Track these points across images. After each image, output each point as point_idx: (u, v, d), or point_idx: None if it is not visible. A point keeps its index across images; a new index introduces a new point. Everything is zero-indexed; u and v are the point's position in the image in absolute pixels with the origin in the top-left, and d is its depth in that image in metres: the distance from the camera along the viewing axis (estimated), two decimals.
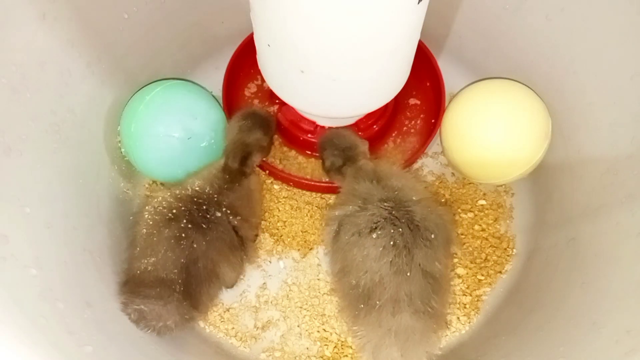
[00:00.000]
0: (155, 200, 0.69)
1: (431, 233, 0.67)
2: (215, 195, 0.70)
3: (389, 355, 0.64)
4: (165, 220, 0.67)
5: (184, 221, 0.66)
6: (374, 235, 0.65)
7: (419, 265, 0.65)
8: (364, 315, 0.65)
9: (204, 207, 0.68)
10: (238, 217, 0.71)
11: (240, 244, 0.72)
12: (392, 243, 0.64)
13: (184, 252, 0.65)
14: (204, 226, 0.67)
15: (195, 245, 0.66)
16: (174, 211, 0.67)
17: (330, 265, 0.75)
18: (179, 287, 0.64)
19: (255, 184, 0.77)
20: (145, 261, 0.65)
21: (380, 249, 0.64)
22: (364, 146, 0.77)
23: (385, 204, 0.68)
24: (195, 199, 0.69)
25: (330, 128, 0.83)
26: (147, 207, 0.69)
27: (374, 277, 0.64)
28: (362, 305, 0.65)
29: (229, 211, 0.70)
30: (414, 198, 0.69)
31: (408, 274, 0.64)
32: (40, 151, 0.63)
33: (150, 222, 0.67)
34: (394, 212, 0.67)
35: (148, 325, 0.65)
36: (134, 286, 0.65)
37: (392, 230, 0.65)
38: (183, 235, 0.66)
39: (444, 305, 0.68)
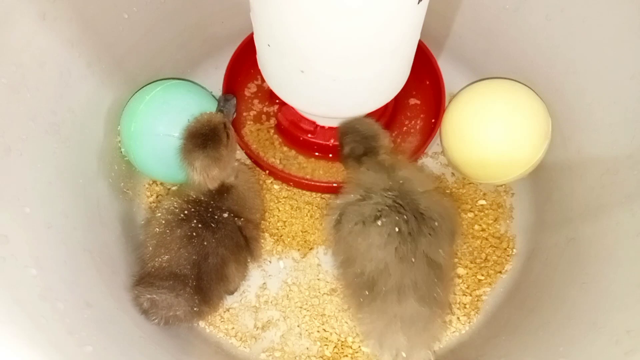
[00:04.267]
0: (167, 202, 0.71)
1: (435, 221, 0.66)
2: (212, 202, 0.71)
3: (395, 342, 0.64)
4: (177, 220, 0.69)
5: (195, 221, 0.68)
6: (379, 223, 0.65)
7: (423, 252, 0.65)
8: (369, 303, 0.65)
9: (210, 209, 0.70)
10: (241, 219, 0.72)
11: (245, 244, 0.73)
12: (397, 230, 0.64)
13: (196, 249, 0.67)
14: (213, 225, 0.69)
15: (205, 243, 0.68)
16: (185, 212, 0.69)
17: (333, 255, 0.75)
18: (191, 282, 0.66)
19: (245, 184, 0.76)
20: (159, 259, 0.67)
21: (386, 236, 0.64)
22: (385, 139, 0.75)
23: (389, 192, 0.67)
24: (202, 202, 0.71)
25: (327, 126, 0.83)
26: (159, 209, 0.71)
27: (379, 264, 0.64)
28: (366, 292, 0.65)
29: (232, 213, 0.71)
30: (419, 189, 0.69)
31: (413, 260, 0.64)
32: (40, 151, 0.63)
33: (163, 222, 0.69)
34: (398, 200, 0.66)
35: (158, 314, 0.66)
36: (149, 279, 0.67)
37: (397, 218, 0.65)
38: (194, 234, 0.68)
39: (447, 293, 0.68)
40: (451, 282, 0.72)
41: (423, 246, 0.65)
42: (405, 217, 0.65)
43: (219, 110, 0.77)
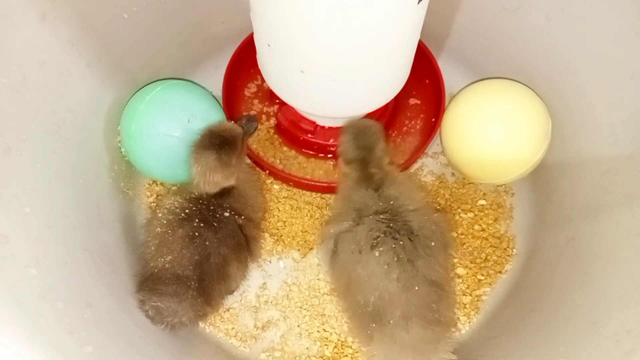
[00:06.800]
0: (168, 201, 0.71)
1: (431, 241, 0.66)
2: (214, 200, 0.71)
3: None
4: (178, 220, 0.69)
5: (196, 220, 0.68)
6: (377, 253, 0.64)
7: (424, 276, 0.64)
8: (377, 335, 0.65)
9: (212, 207, 0.70)
10: (242, 217, 0.72)
11: (245, 242, 0.73)
12: (395, 259, 0.64)
13: (198, 249, 0.67)
14: (215, 225, 0.69)
15: (207, 243, 0.68)
16: (187, 211, 0.69)
17: (332, 281, 0.76)
18: (193, 284, 0.66)
19: (246, 182, 0.76)
20: (162, 259, 0.67)
21: (385, 266, 0.64)
22: (381, 152, 0.73)
23: (381, 216, 0.67)
24: (204, 200, 0.70)
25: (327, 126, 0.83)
26: (160, 208, 0.71)
27: (383, 294, 0.64)
28: (373, 325, 0.65)
29: (233, 211, 0.71)
30: (410, 207, 0.68)
31: (416, 288, 0.64)
32: (40, 151, 0.63)
33: (165, 222, 0.69)
34: (391, 225, 0.66)
35: (164, 321, 0.67)
36: (152, 283, 0.67)
37: (393, 245, 0.64)
38: (197, 234, 0.68)
39: (451, 309, 0.68)
40: (453, 296, 0.71)
41: (422, 269, 0.65)
42: (401, 242, 0.65)
43: (240, 126, 0.76)
